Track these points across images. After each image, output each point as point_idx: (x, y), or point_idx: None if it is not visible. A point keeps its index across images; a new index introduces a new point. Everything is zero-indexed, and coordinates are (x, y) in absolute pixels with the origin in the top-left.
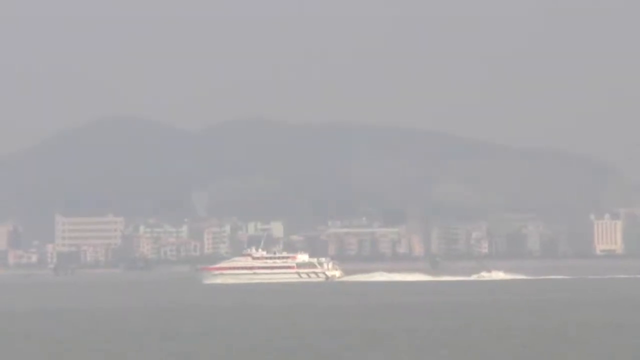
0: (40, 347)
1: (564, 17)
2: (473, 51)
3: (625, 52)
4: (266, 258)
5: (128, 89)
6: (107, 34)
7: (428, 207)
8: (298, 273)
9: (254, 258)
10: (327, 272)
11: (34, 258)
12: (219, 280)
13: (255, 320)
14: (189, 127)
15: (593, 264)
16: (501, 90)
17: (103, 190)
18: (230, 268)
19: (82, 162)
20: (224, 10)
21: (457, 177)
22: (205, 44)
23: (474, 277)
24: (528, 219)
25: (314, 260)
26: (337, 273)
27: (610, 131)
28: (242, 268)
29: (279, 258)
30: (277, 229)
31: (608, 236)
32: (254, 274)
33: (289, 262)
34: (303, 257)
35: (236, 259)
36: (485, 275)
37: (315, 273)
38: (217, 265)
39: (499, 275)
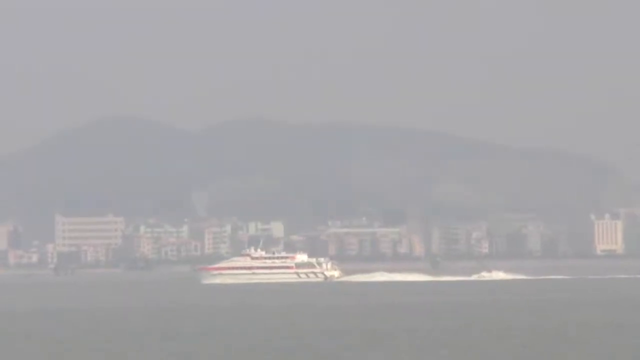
0: (41, 347)
1: (564, 17)
2: (473, 51)
3: (625, 52)
4: (265, 258)
5: (128, 89)
6: (107, 34)
7: (428, 207)
8: (297, 273)
9: (252, 258)
10: (325, 272)
11: (35, 258)
12: (217, 280)
13: (255, 320)
14: (189, 127)
15: (593, 264)
16: (501, 90)
17: (103, 190)
18: (229, 268)
19: (82, 162)
20: (224, 10)
21: (457, 177)
22: (205, 44)
23: (474, 277)
24: (528, 219)
25: (313, 260)
26: (336, 273)
27: (610, 131)
28: (241, 268)
29: (277, 258)
30: (277, 229)
31: (608, 236)
32: (253, 274)
33: (288, 262)
34: (302, 257)
35: (235, 259)
36: (485, 275)
37: (314, 273)
38: (216, 266)
39: (499, 275)
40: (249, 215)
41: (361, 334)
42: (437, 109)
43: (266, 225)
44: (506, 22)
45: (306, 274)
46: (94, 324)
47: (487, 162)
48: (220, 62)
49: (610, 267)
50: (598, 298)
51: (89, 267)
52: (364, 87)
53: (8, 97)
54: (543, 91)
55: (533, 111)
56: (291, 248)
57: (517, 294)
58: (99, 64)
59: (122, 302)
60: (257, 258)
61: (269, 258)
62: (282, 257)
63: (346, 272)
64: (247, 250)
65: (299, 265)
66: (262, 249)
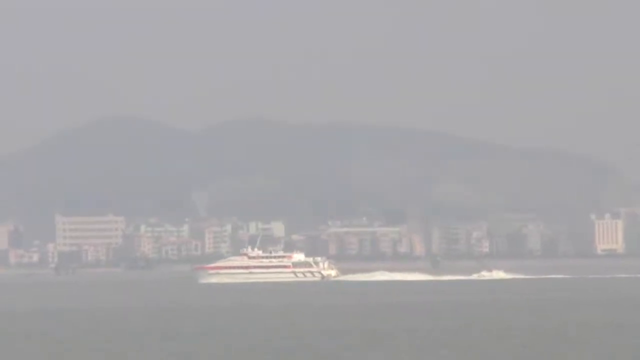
0: (41, 347)
1: (564, 17)
2: (473, 51)
3: (625, 52)
4: (262, 257)
5: (128, 89)
6: (107, 34)
7: (428, 207)
8: (294, 272)
9: (250, 257)
10: (322, 272)
11: (35, 257)
12: (214, 280)
13: (254, 320)
14: (189, 127)
15: (594, 263)
16: (501, 90)
17: (103, 190)
18: (226, 267)
19: (82, 162)
20: (224, 10)
21: (457, 177)
22: (205, 44)
23: (474, 277)
24: (528, 218)
25: (310, 259)
26: (333, 272)
27: (610, 131)
28: (238, 267)
29: (274, 257)
30: (278, 228)
31: (609, 236)
32: (250, 273)
33: (285, 262)
34: (299, 257)
35: (232, 258)
36: (485, 275)
37: (311, 272)
38: (213, 265)
39: (499, 274)
40: (249, 215)
41: (361, 333)
42: (437, 109)
43: (267, 225)
44: (506, 22)
45: (303, 273)
46: (95, 323)
47: (487, 162)
48: (220, 62)
49: (610, 267)
50: (598, 298)
51: (90, 266)
52: (364, 87)
53: (8, 97)
54: (543, 91)
55: (533, 111)
56: (291, 248)
57: (517, 293)
58: (99, 64)
59: (122, 302)
60: (254, 257)
61: (266, 257)
62: (279, 257)
63: (346, 272)
64: (245, 249)
65: (296, 265)
66: (259, 248)
